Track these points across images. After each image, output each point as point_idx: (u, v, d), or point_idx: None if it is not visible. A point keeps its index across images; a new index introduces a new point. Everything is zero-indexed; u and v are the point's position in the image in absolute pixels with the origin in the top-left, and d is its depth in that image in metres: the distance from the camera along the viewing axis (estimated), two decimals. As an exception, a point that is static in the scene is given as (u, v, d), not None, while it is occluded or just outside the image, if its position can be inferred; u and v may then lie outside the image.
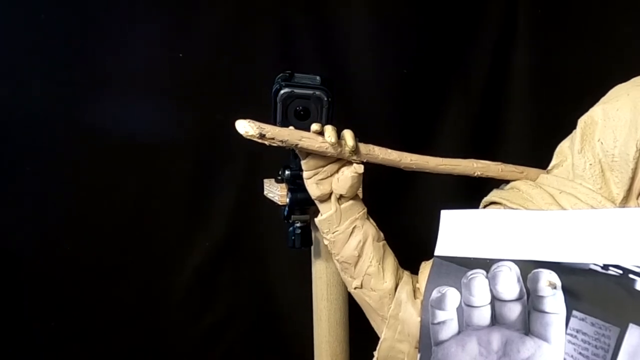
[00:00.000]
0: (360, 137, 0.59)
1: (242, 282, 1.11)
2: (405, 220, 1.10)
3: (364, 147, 0.58)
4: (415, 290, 0.63)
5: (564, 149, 0.61)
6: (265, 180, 0.81)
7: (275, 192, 0.74)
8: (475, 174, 0.63)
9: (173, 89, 0.98)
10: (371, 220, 0.64)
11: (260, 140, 0.53)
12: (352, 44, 1.05)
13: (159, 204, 1.02)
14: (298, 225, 0.71)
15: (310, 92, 0.61)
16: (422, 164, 0.61)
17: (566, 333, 0.45)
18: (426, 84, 1.09)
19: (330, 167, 0.58)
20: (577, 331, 0.44)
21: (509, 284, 0.51)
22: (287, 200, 0.70)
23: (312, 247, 0.76)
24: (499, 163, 0.64)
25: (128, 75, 0.95)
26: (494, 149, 1.14)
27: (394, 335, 0.63)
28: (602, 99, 0.58)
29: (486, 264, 0.54)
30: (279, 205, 0.74)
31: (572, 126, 0.59)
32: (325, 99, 0.61)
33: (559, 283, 0.47)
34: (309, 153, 0.57)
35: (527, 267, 0.50)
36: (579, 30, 1.09)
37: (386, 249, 0.64)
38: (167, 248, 1.04)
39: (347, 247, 0.62)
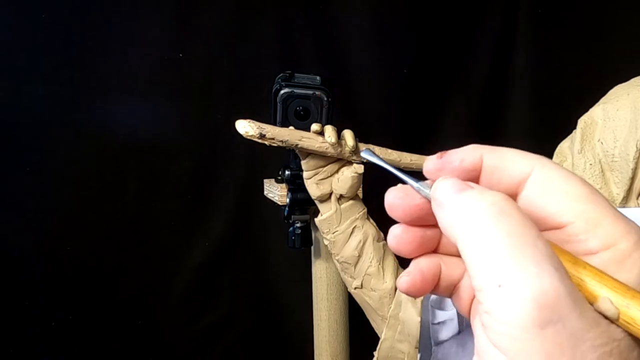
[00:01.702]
0: (360, 137, 0.59)
1: (242, 282, 1.11)
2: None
3: (363, 147, 0.58)
4: (415, 290, 0.63)
5: (564, 149, 0.61)
6: (265, 180, 0.81)
7: (275, 192, 0.74)
8: (475, 174, 0.63)
9: (173, 89, 0.98)
10: (371, 220, 0.64)
11: (260, 140, 0.53)
12: (352, 43, 1.05)
13: (159, 204, 1.02)
14: (298, 225, 0.71)
15: (310, 92, 0.61)
16: (422, 164, 0.61)
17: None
18: (426, 83, 1.09)
19: (330, 167, 0.58)
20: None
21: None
22: (287, 200, 0.70)
23: (312, 247, 0.76)
24: (499, 163, 0.64)
25: (128, 75, 0.95)
26: (494, 149, 1.14)
27: (394, 335, 0.63)
28: (602, 99, 0.58)
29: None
30: (279, 205, 0.74)
31: (572, 126, 0.59)
32: (325, 99, 0.61)
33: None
34: (309, 153, 0.57)
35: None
36: (579, 30, 1.09)
37: (386, 249, 0.64)
38: (167, 248, 1.04)
39: (347, 247, 0.62)
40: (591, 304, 0.18)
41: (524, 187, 0.23)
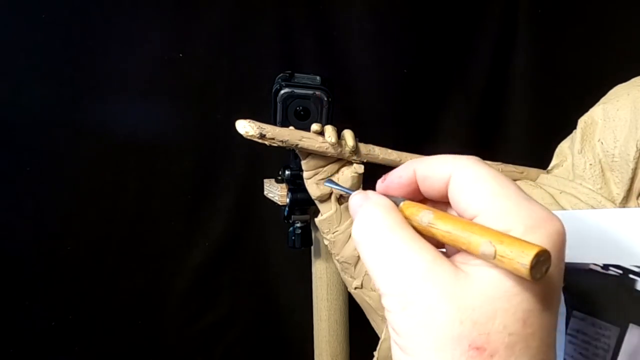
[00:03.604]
0: (360, 137, 0.59)
1: (242, 282, 1.11)
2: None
3: (364, 147, 0.58)
4: (415, 290, 0.63)
5: (564, 149, 0.61)
6: (265, 180, 0.81)
7: (275, 192, 0.74)
8: (475, 174, 0.62)
9: (173, 89, 0.98)
10: (371, 220, 0.64)
11: (260, 140, 0.53)
12: (352, 43, 1.05)
13: (159, 204, 1.02)
14: (298, 225, 0.71)
15: (310, 92, 0.61)
16: (422, 164, 0.61)
17: (566, 333, 0.45)
18: (426, 83, 1.09)
19: (331, 167, 0.58)
20: (577, 331, 0.44)
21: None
22: (287, 200, 0.70)
23: (312, 247, 0.76)
24: (499, 163, 0.64)
25: (128, 75, 0.95)
26: (494, 149, 1.14)
27: (394, 335, 0.63)
28: (602, 99, 0.58)
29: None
30: (279, 205, 0.74)
31: (572, 126, 0.59)
32: (325, 99, 0.61)
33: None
34: (309, 153, 0.57)
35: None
36: (579, 30, 1.09)
37: (386, 249, 0.64)
38: (167, 248, 1.04)
39: (347, 247, 0.62)
40: (475, 251, 0.23)
41: (448, 187, 0.27)
